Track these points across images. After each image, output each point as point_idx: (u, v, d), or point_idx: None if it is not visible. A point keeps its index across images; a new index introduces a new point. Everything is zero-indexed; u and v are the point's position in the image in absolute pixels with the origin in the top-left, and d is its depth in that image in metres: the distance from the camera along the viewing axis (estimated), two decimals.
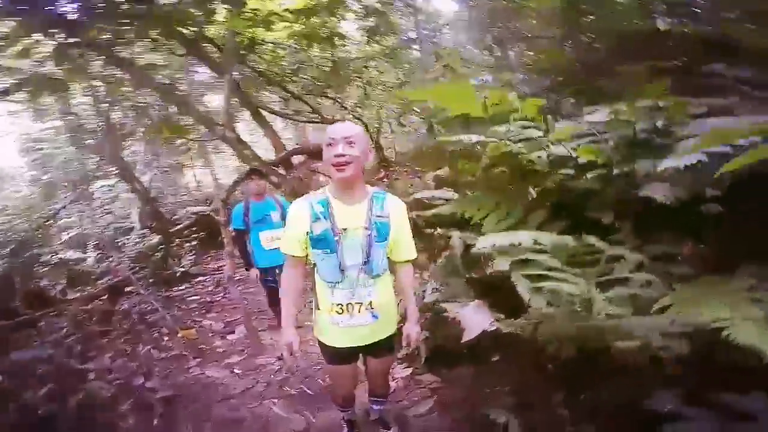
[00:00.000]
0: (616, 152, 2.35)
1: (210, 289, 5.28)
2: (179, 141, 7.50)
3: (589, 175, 2.36)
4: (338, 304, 1.58)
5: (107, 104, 5.59)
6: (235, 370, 2.98)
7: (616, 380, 1.82)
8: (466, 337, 1.65)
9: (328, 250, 1.53)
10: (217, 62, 5.07)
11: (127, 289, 4.82)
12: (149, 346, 3.50)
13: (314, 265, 1.61)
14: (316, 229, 1.52)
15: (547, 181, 2.55)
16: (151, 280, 5.41)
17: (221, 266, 6.37)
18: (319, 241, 1.53)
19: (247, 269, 3.40)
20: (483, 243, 1.65)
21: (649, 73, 3.82)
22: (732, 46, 3.29)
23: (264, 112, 6.19)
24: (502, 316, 1.69)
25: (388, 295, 1.68)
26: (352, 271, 1.55)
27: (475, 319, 1.70)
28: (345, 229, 1.53)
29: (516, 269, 1.96)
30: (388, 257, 1.67)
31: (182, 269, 6.00)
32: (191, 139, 7.17)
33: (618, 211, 2.25)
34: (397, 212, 1.61)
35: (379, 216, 1.56)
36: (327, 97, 7.08)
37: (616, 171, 2.26)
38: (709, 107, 2.34)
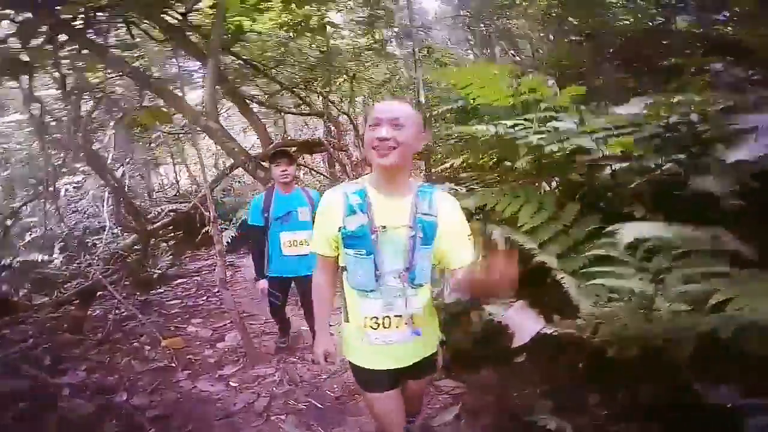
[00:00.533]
0: (649, 144, 2.24)
1: (192, 292, 4.92)
2: (154, 134, 7.06)
3: (616, 167, 2.25)
4: (372, 318, 1.34)
5: (75, 94, 5.15)
6: (231, 383, 2.69)
7: (658, 377, 1.70)
8: (518, 341, 1.47)
9: (364, 251, 1.30)
10: (200, 49, 4.73)
11: (100, 293, 4.41)
12: (129, 357, 3.18)
13: (343, 269, 1.38)
14: (351, 225, 1.29)
15: (574, 173, 2.43)
16: (126, 283, 5.02)
17: (201, 267, 6.02)
18: (353, 239, 1.30)
19: (255, 279, 2.82)
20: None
21: (651, 70, 3.77)
22: (731, 45, 3.27)
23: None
24: (558, 316, 1.53)
25: (430, 308, 1.44)
26: (390, 278, 1.31)
27: (525, 321, 1.53)
28: (384, 227, 1.29)
29: (563, 266, 1.81)
30: (442, 267, 1.39)
31: (159, 271, 5.61)
32: (169, 133, 6.75)
33: (648, 204, 2.15)
34: (447, 211, 1.35)
35: (426, 214, 1.31)
36: (312, 90, 6.80)
37: (650, 164, 2.15)
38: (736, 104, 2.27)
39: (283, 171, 2.60)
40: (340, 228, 1.30)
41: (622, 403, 1.83)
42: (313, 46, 6.14)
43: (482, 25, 7.82)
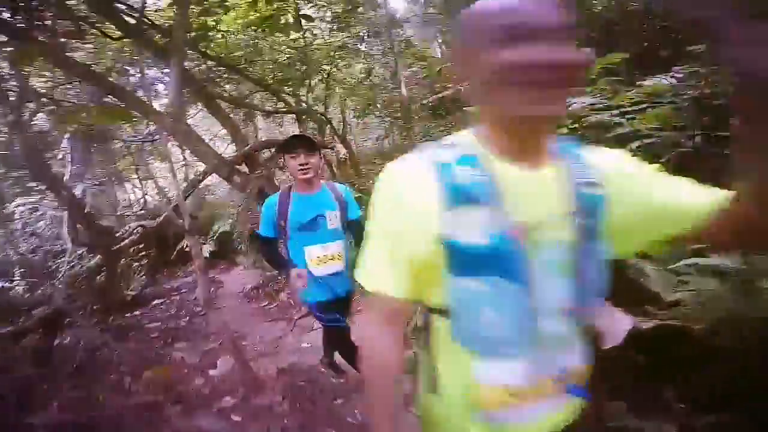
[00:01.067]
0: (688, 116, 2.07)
1: (172, 312, 4.47)
2: (116, 144, 6.53)
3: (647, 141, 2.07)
4: (504, 388, 0.71)
5: (19, 100, 4.62)
6: (233, 417, 2.31)
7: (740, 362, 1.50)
8: (612, 341, 1.21)
9: (504, 279, 0.65)
10: (162, 47, 4.31)
11: (70, 320, 3.92)
12: (108, 392, 2.75)
13: (438, 313, 0.73)
14: (467, 227, 0.65)
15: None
16: (95, 308, 4.53)
17: (180, 285, 5.56)
18: (476, 258, 0.65)
19: (282, 274, 2.12)
20: None
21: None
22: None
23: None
24: (651, 307, 1.29)
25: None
26: (553, 318, 0.70)
27: (611, 318, 1.28)
28: (535, 225, 0.66)
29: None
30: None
31: (133, 292, 5.12)
32: (132, 141, 6.24)
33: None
34: (614, 163, 0.74)
35: (589, 184, 0.70)
36: (285, 92, 6.45)
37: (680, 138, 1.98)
38: None
39: (303, 165, 1.88)
40: (439, 238, 0.65)
41: (709, 393, 1.63)
42: (284, 45, 5.83)
43: (449, 22, 7.71)
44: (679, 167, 1.99)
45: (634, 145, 2.18)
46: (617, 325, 1.24)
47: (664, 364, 1.73)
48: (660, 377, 1.75)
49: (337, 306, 2.02)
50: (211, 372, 2.91)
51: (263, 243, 2.07)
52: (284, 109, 5.96)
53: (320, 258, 1.94)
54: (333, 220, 1.96)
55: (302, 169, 1.89)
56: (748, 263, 1.41)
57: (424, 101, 5.91)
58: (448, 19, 7.93)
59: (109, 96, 4.41)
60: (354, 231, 2.06)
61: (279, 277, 4.82)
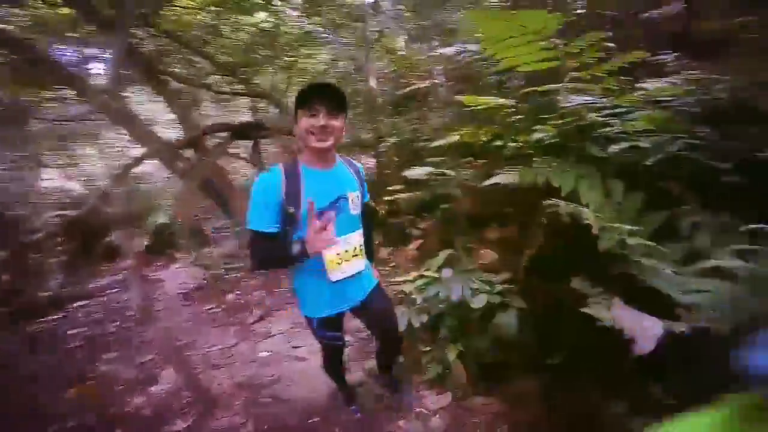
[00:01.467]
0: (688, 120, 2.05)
1: (98, 316, 3.90)
2: (39, 125, 5.71)
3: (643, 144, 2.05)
4: None
5: None
6: None
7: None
8: (643, 348, 1.14)
9: None
10: (107, 19, 3.77)
11: None
12: (19, 418, 2.26)
13: None
14: None
15: (593, 149, 2.19)
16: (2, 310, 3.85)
17: (108, 284, 4.90)
18: None
19: (298, 259, 1.34)
20: None
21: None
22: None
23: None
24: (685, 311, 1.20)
25: None
26: None
27: (640, 322, 1.17)
28: None
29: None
30: None
31: (49, 293, 4.44)
32: (61, 121, 5.48)
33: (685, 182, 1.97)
34: None
35: None
36: (241, 77, 6.00)
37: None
38: None
39: (322, 128, 1.32)
40: None
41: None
42: (245, 26, 5.41)
43: (422, 19, 7.63)
44: (660, 173, 2.00)
45: (619, 147, 2.16)
46: (647, 328, 1.15)
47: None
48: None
49: (340, 323, 1.65)
50: (152, 389, 2.46)
51: (261, 241, 1.37)
52: (243, 91, 5.51)
53: (341, 255, 1.45)
54: (355, 202, 1.48)
55: (319, 135, 1.33)
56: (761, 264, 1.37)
57: (394, 95, 5.75)
58: (417, 15, 7.85)
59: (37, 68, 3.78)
60: (363, 219, 1.59)
61: (226, 275, 4.42)
